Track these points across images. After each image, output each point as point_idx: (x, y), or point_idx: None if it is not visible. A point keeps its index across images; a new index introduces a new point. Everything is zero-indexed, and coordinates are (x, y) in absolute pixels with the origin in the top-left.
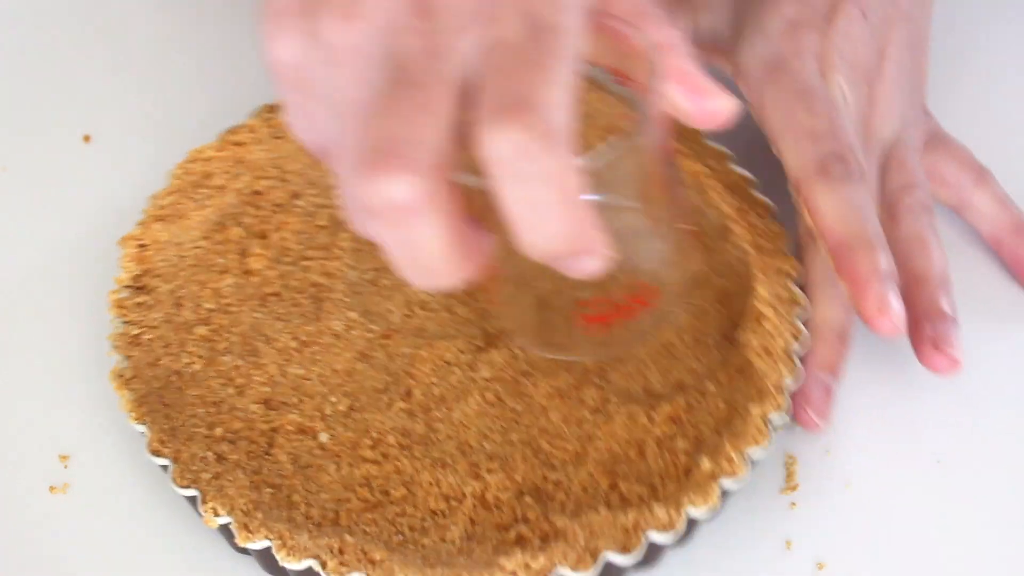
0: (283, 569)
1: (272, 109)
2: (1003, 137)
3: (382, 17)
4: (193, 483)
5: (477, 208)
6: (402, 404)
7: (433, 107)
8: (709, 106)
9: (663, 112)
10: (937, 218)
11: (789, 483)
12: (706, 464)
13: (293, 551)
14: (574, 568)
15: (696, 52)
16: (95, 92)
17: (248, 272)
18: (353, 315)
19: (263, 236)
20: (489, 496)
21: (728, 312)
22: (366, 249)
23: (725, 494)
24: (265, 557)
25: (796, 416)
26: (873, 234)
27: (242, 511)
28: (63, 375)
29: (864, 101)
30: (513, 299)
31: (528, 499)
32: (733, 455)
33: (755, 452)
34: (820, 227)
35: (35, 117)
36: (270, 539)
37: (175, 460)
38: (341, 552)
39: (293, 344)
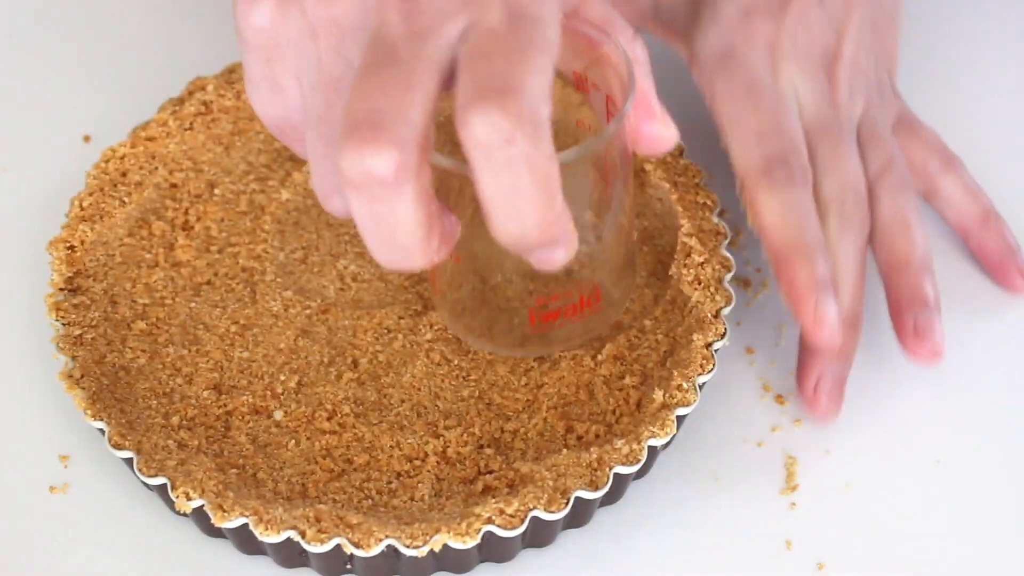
0: (260, 546)
1: (179, 102)
2: (975, 123)
3: None
4: (160, 471)
5: (445, 192)
6: (350, 374)
7: (417, 85)
8: (655, 131)
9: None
10: (916, 195)
11: (789, 483)
12: (658, 396)
13: (271, 525)
14: (547, 509)
15: (660, 32)
16: (95, 92)
17: (177, 264)
18: (288, 294)
19: (186, 227)
20: (451, 452)
21: (653, 251)
22: (290, 230)
23: (680, 421)
24: (241, 535)
25: (808, 408)
26: (811, 241)
27: (213, 492)
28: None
29: (825, 85)
30: (460, 288)
31: (488, 450)
32: (684, 383)
33: (703, 379)
34: (761, 231)
35: (35, 117)
36: (246, 516)
37: (138, 451)
38: (318, 520)
39: (233, 328)
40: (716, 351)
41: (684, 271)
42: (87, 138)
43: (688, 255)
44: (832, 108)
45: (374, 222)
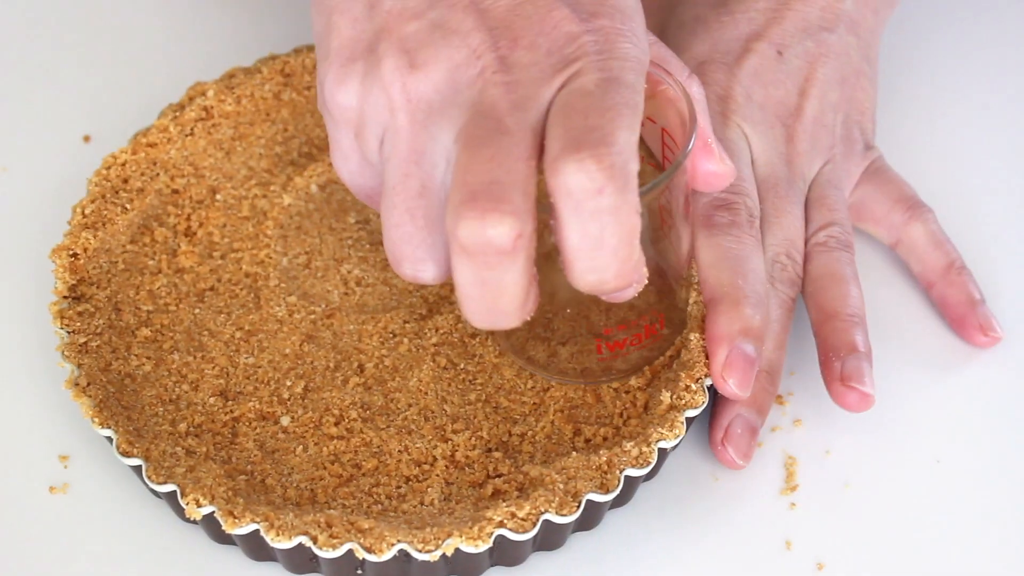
0: (270, 552)
1: (180, 108)
2: (955, 170)
3: (453, 69)
4: (169, 478)
5: None
6: (357, 379)
7: (524, 152)
8: (713, 168)
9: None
10: (854, 255)
11: (789, 483)
12: (666, 397)
13: (282, 530)
14: (559, 512)
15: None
16: (95, 92)
17: (180, 270)
18: (292, 299)
19: (189, 234)
20: (459, 456)
21: None
22: (293, 235)
23: (689, 422)
24: (251, 542)
25: (718, 455)
26: (742, 290)
27: (223, 499)
28: (64, 375)
29: (781, 140)
30: (525, 323)
31: (497, 454)
32: (691, 384)
33: (708, 381)
34: (700, 279)
35: (35, 117)
36: (257, 522)
37: (146, 459)
38: (329, 525)
39: (238, 335)
40: None
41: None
42: (87, 138)
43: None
44: (785, 164)
45: (481, 288)
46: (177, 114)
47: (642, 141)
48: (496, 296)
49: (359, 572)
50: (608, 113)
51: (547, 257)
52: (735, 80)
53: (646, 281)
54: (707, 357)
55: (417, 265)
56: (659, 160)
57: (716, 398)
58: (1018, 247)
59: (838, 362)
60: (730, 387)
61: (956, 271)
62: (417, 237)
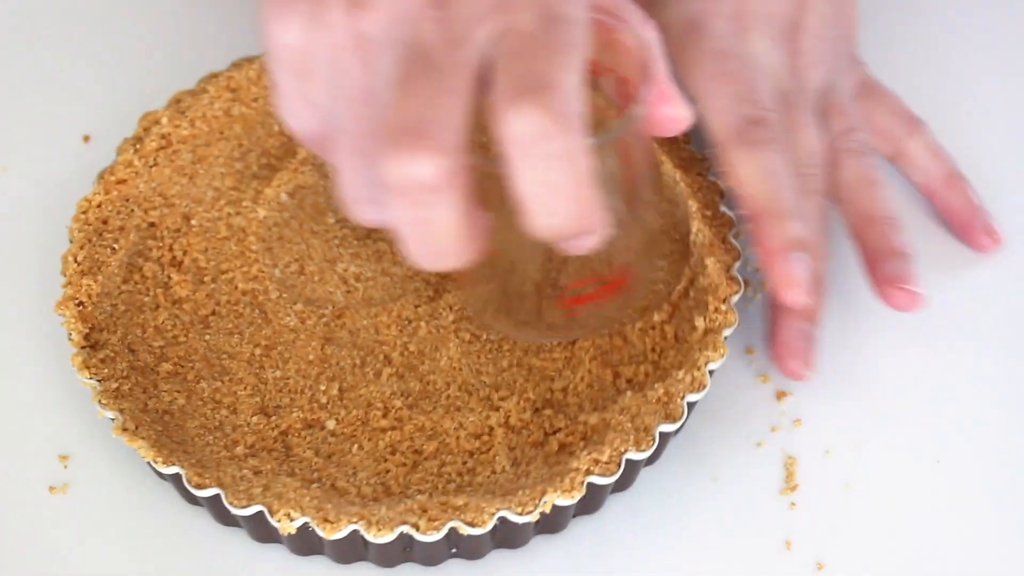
0: (363, 553)
1: (138, 140)
2: (939, 84)
3: (394, 5)
4: (250, 500)
5: (476, 190)
6: (388, 370)
7: (455, 91)
8: (670, 112)
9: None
10: (879, 158)
11: (789, 483)
12: (700, 323)
13: (381, 525)
14: (637, 448)
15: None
16: (95, 92)
17: (177, 301)
18: (299, 307)
19: (175, 264)
20: (513, 420)
21: None
22: (277, 246)
23: (726, 341)
24: (348, 545)
25: (782, 368)
26: (786, 203)
27: (313, 508)
28: (64, 375)
29: (787, 54)
30: (487, 278)
31: (547, 411)
32: (721, 305)
33: (735, 299)
34: (740, 194)
35: (35, 117)
36: (354, 523)
37: (221, 486)
38: (424, 510)
39: (258, 351)
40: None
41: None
42: (87, 138)
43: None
44: (793, 77)
45: (417, 227)
46: (137, 147)
47: (602, 89)
48: (432, 234)
49: (454, 551)
50: (548, 54)
51: (504, 209)
52: None
53: (609, 229)
54: (766, 268)
55: (377, 207)
56: (619, 108)
57: (771, 318)
58: (1012, 175)
59: (885, 263)
60: (792, 295)
61: (957, 179)
62: (374, 177)
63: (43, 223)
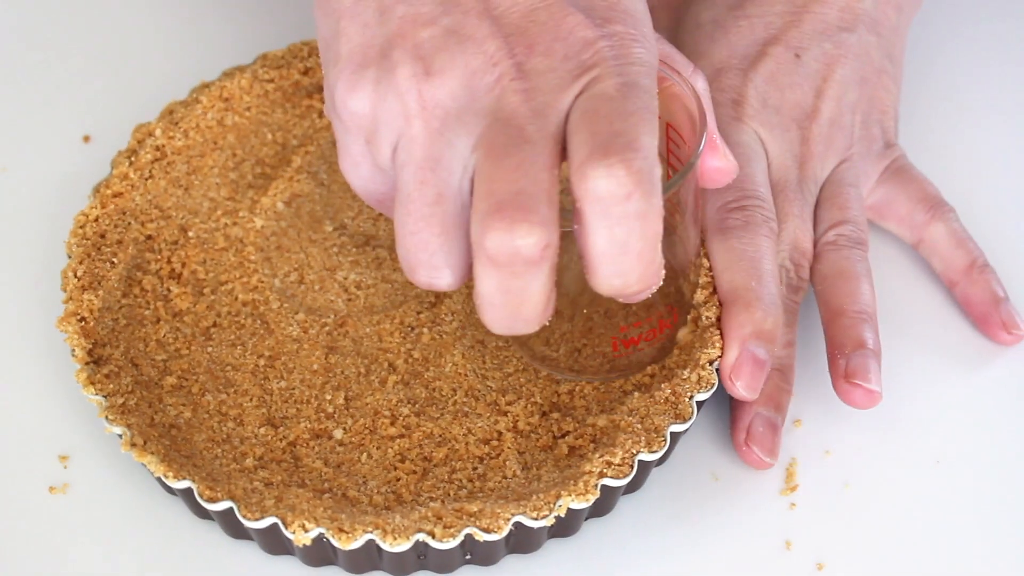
0: (377, 562)
1: (132, 153)
2: (975, 168)
3: (469, 76)
4: (263, 512)
5: None
6: (393, 377)
7: (547, 161)
8: (718, 164)
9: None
10: (867, 252)
11: (789, 483)
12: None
13: (397, 533)
14: (649, 449)
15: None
16: (95, 92)
17: (177, 314)
18: (300, 316)
19: (174, 276)
20: (522, 425)
21: None
22: (275, 255)
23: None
24: (363, 554)
25: (743, 456)
26: (756, 292)
27: (327, 518)
28: (63, 375)
29: (796, 143)
30: (545, 330)
31: (555, 415)
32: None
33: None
34: (715, 282)
35: (35, 117)
36: (369, 532)
37: (233, 499)
38: (439, 517)
39: (261, 362)
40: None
41: None
42: (87, 138)
43: None
44: (797, 167)
45: (505, 296)
46: (132, 159)
47: None
48: (519, 304)
49: (468, 557)
50: (631, 118)
51: (561, 259)
52: (749, 84)
53: (662, 282)
54: (723, 351)
55: (432, 272)
56: (663, 155)
57: (733, 403)
58: None
59: (843, 359)
60: (738, 389)
61: (979, 269)
62: (433, 244)
63: (43, 223)
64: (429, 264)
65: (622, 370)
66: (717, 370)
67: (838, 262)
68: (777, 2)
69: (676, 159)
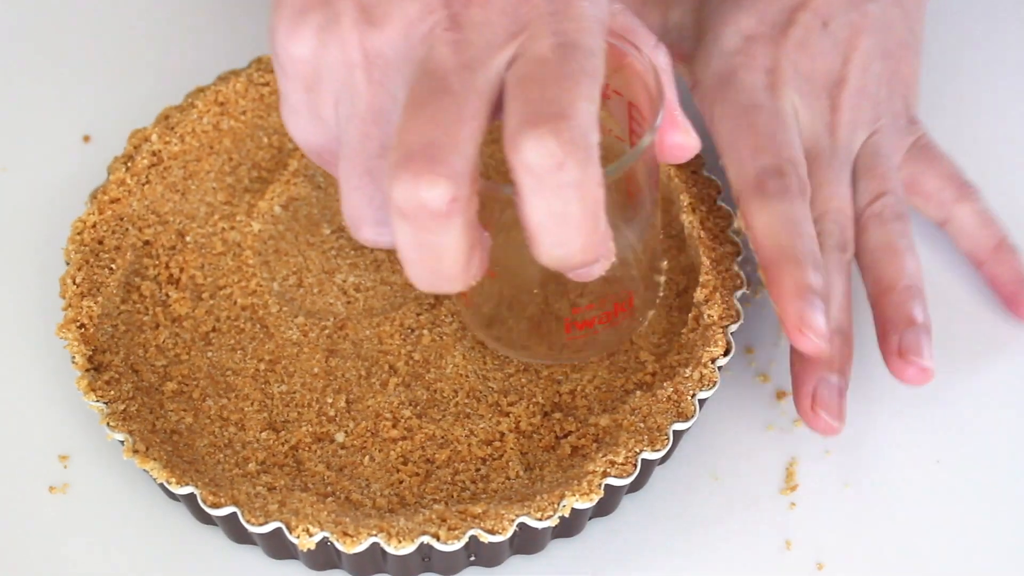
0: (381, 565)
1: (128, 158)
2: (999, 150)
3: (407, 25)
4: (267, 517)
5: (482, 212)
6: (394, 380)
7: (467, 115)
8: (679, 140)
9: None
10: (911, 225)
11: (789, 483)
12: (705, 319)
13: (401, 536)
14: (652, 448)
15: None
16: (95, 92)
17: (176, 319)
18: (300, 320)
19: (172, 281)
20: (524, 426)
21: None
22: (274, 259)
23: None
24: (368, 557)
25: (811, 422)
26: (802, 250)
27: (332, 522)
28: (63, 375)
29: (826, 111)
30: (493, 300)
31: (557, 415)
32: (724, 301)
33: (737, 295)
34: (754, 243)
35: (35, 117)
36: (374, 535)
37: (237, 504)
38: (443, 520)
39: (262, 366)
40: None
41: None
42: (87, 138)
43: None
44: (828, 135)
45: (420, 251)
46: (128, 165)
47: (610, 111)
48: (435, 259)
49: (472, 559)
50: (566, 82)
51: (510, 231)
52: (782, 52)
53: (614, 258)
54: (781, 316)
55: (379, 228)
56: (626, 133)
57: (795, 369)
58: None
59: (896, 335)
60: (807, 342)
61: (1007, 249)
62: (379, 198)
63: (43, 223)
64: (375, 219)
65: (576, 351)
66: (700, 402)
67: (884, 236)
68: None
69: (638, 137)
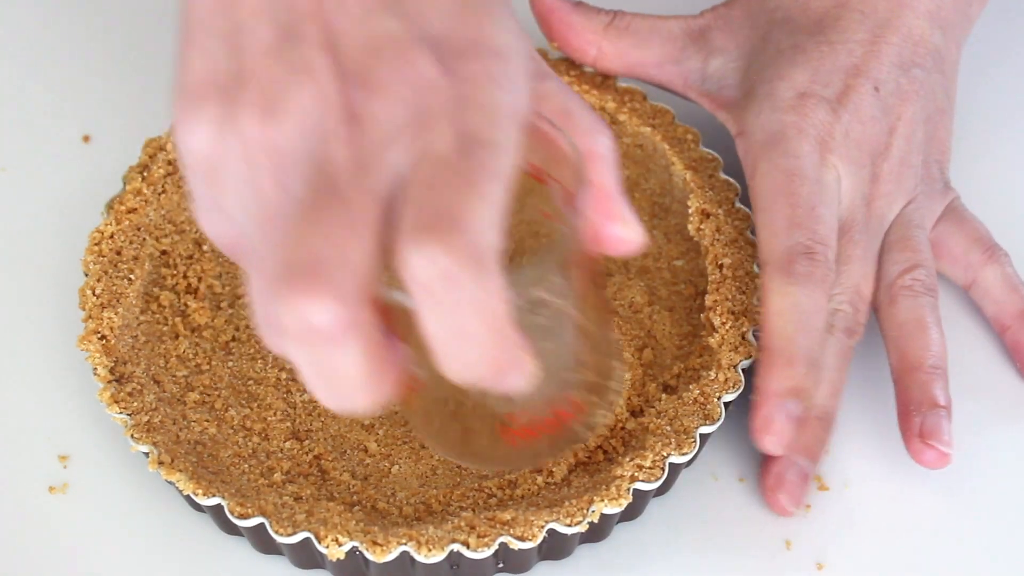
0: (410, 573)
1: (144, 168)
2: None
3: (305, 118)
4: (295, 527)
5: (392, 319)
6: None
7: (359, 224)
8: (618, 232)
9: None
10: (939, 300)
11: None
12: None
13: (431, 545)
14: (679, 452)
15: (705, 103)
16: (95, 92)
17: (196, 329)
18: None
19: (191, 291)
20: None
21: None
22: None
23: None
24: (397, 566)
25: (769, 501)
26: (801, 347)
27: (360, 532)
28: (63, 376)
29: (867, 181)
30: (430, 411)
31: None
32: (750, 302)
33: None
34: (763, 320)
35: (35, 117)
36: (403, 544)
37: (265, 515)
38: (472, 527)
39: (283, 375)
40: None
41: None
42: (87, 138)
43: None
44: (865, 206)
45: (316, 371)
46: (144, 174)
47: (550, 198)
48: (336, 382)
49: (500, 566)
50: (462, 185)
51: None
52: (836, 118)
53: (532, 369)
54: (754, 407)
55: (280, 340)
56: (566, 224)
57: None
58: None
59: (918, 417)
60: (766, 443)
61: None
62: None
63: (43, 223)
64: (277, 331)
65: (527, 460)
66: (725, 404)
67: (914, 309)
68: (857, 29)
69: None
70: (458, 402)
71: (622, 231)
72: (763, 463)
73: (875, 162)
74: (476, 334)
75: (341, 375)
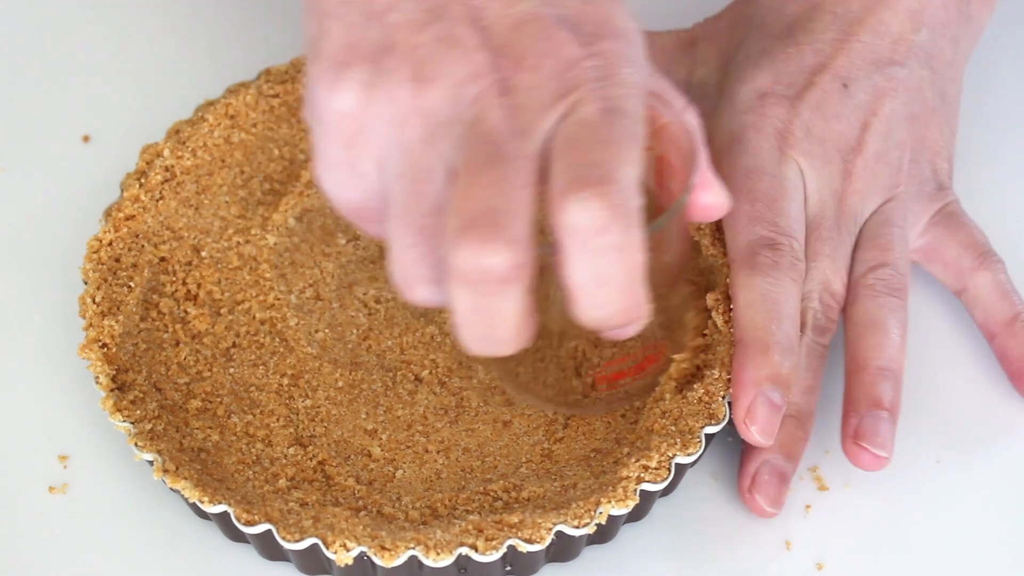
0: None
1: (141, 174)
2: None
3: (456, 85)
4: (302, 533)
5: None
6: (422, 390)
7: (524, 183)
8: (710, 199)
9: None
10: (906, 301)
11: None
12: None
13: (439, 549)
14: (684, 452)
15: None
16: (95, 92)
17: (196, 336)
18: (321, 334)
19: (190, 297)
20: (556, 431)
21: None
22: (290, 272)
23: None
24: (405, 570)
25: (746, 502)
26: (775, 336)
27: (368, 536)
28: (63, 376)
29: (838, 177)
30: (522, 358)
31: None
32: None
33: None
34: (735, 317)
35: (35, 117)
36: (412, 548)
37: (271, 521)
38: (480, 530)
39: (285, 381)
40: None
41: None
42: (87, 138)
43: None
44: (836, 202)
45: (477, 315)
46: (142, 181)
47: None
48: (493, 324)
49: (508, 569)
50: (611, 147)
51: (546, 289)
52: (795, 114)
53: (647, 317)
54: (733, 400)
55: (433, 287)
56: (651, 187)
57: (744, 446)
58: None
59: (855, 418)
60: (752, 434)
61: (1021, 324)
62: (433, 257)
63: (42, 223)
64: (429, 279)
65: (604, 405)
66: (729, 403)
67: (871, 310)
68: (827, 29)
69: (666, 191)
70: (553, 349)
71: (713, 198)
72: (740, 465)
73: (846, 158)
74: (616, 280)
75: (500, 317)
